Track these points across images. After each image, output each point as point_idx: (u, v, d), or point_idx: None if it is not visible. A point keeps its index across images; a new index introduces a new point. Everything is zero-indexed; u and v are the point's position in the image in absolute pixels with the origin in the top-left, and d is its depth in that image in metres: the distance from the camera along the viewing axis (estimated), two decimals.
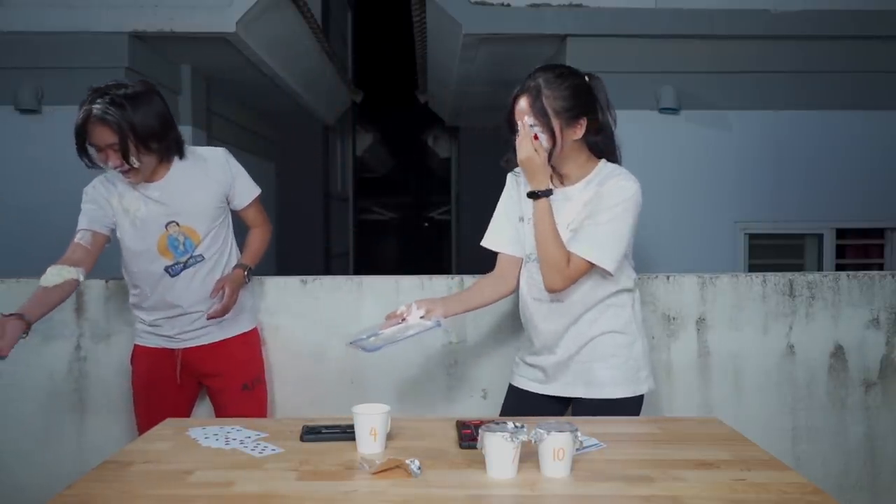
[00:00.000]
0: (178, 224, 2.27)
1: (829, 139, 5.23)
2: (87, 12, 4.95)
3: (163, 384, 2.37)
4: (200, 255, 2.31)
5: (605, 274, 1.98)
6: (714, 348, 2.77)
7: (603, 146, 2.07)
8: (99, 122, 2.11)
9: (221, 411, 2.40)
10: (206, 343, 2.36)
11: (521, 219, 2.11)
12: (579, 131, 1.98)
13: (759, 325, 2.78)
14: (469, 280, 2.72)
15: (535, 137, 1.93)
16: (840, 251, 5.39)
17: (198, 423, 1.87)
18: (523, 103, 1.97)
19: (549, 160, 1.97)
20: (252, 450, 1.64)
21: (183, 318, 2.33)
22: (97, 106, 2.11)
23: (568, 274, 1.94)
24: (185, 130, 6.07)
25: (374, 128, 14.87)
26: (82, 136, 2.15)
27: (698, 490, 1.41)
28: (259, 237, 2.49)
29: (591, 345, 2.03)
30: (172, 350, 2.36)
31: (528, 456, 1.50)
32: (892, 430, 2.80)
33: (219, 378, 2.39)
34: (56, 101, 5.00)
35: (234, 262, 2.40)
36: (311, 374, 2.67)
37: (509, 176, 2.19)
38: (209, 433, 1.75)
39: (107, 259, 4.86)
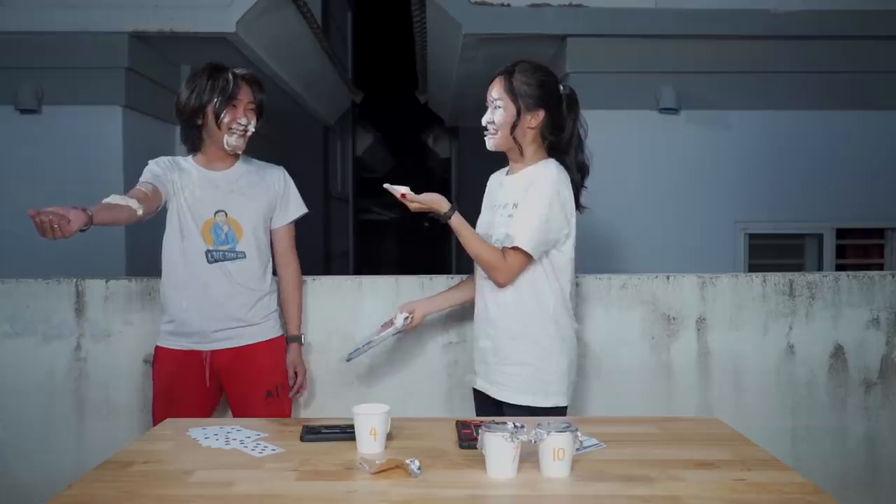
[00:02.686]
0: (225, 214, 2.34)
1: (829, 139, 5.22)
2: (87, 12, 4.94)
3: (187, 388, 2.34)
4: (242, 252, 2.34)
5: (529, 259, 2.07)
6: (714, 348, 2.77)
7: (565, 157, 2.17)
8: (252, 80, 2.37)
9: (245, 413, 2.36)
10: (234, 346, 2.35)
11: (485, 206, 2.31)
12: (535, 121, 2.12)
13: (759, 325, 2.78)
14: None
15: (403, 196, 2.07)
16: (840, 251, 5.38)
17: (198, 423, 1.87)
18: (497, 80, 2.15)
19: (512, 132, 2.12)
20: (252, 450, 1.64)
21: (212, 308, 2.32)
22: (239, 70, 2.37)
23: (507, 268, 2.06)
24: None
25: (374, 128, 14.86)
26: (229, 96, 2.30)
27: (698, 490, 1.41)
28: (295, 298, 2.52)
29: (510, 345, 2.12)
30: (200, 352, 2.34)
31: (528, 456, 1.50)
32: (892, 430, 2.80)
33: (243, 383, 2.37)
34: (56, 101, 4.99)
35: (270, 278, 2.44)
36: (312, 374, 2.67)
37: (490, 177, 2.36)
38: (209, 433, 1.76)
39: (107, 259, 4.85)
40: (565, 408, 2.12)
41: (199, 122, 2.32)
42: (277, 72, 6.32)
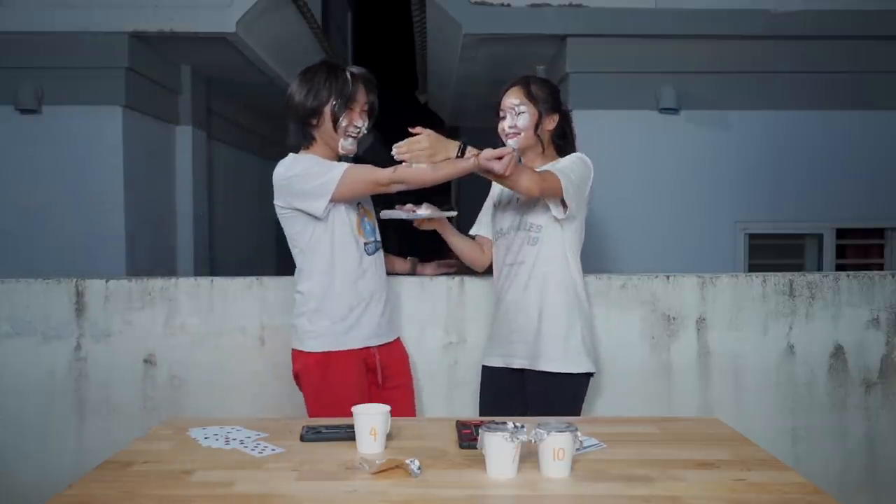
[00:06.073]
0: (363, 206, 2.35)
1: (829, 139, 5.22)
2: (86, 12, 4.94)
3: (361, 388, 2.23)
4: (380, 242, 2.37)
5: (556, 211, 2.23)
6: (714, 348, 2.77)
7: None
8: (369, 81, 2.32)
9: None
10: (391, 341, 2.36)
11: (497, 203, 2.47)
12: (552, 124, 2.34)
13: (759, 325, 2.78)
14: (469, 280, 2.74)
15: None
16: (840, 251, 5.38)
17: (198, 422, 1.88)
18: (514, 89, 2.34)
19: (535, 132, 2.31)
20: (252, 450, 1.64)
21: (378, 300, 2.30)
22: (355, 69, 2.31)
23: (539, 179, 2.13)
24: (186, 130, 6.06)
25: (374, 128, 14.81)
26: (347, 98, 2.25)
27: (698, 490, 1.41)
28: None
29: (541, 321, 2.28)
30: (370, 349, 2.28)
31: (528, 456, 1.50)
32: (892, 430, 2.80)
33: (398, 376, 2.36)
34: (56, 101, 5.00)
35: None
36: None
37: None
38: (209, 433, 1.76)
39: (107, 259, 4.85)
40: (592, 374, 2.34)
41: (315, 122, 2.26)
42: (277, 72, 6.32)
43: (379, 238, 2.37)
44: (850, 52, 5.12)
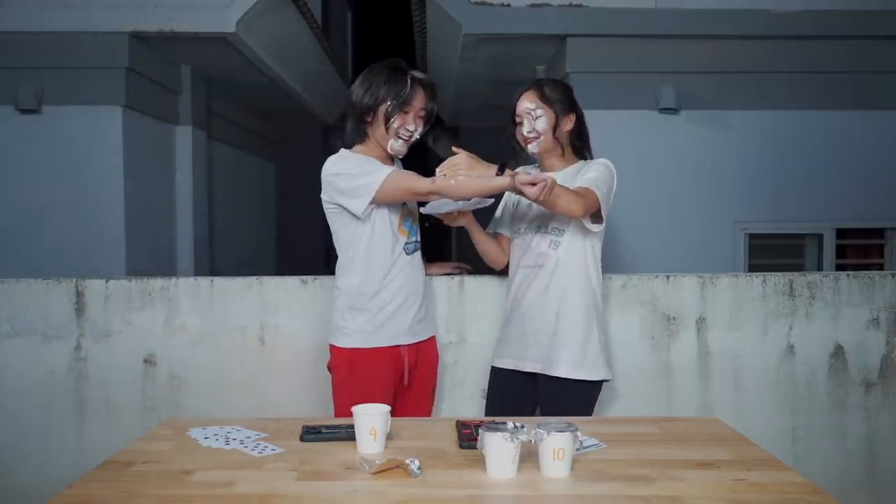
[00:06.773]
0: (406, 205, 2.33)
1: (829, 139, 5.22)
2: (86, 12, 4.95)
3: (386, 387, 2.24)
4: (420, 242, 2.37)
5: (591, 226, 2.23)
6: (714, 348, 2.77)
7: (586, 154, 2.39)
8: (429, 87, 2.30)
9: (404, 411, 2.29)
10: (423, 340, 2.35)
11: (516, 203, 2.43)
12: (569, 124, 2.30)
13: (759, 325, 2.78)
14: (469, 280, 2.74)
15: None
16: (840, 251, 5.38)
17: (198, 422, 1.88)
18: (528, 93, 2.30)
19: (554, 134, 2.28)
20: (252, 450, 1.64)
21: (414, 300, 2.30)
22: (418, 74, 2.29)
23: (581, 200, 2.11)
24: (185, 130, 6.07)
25: None
26: (403, 101, 2.23)
27: (698, 490, 1.41)
28: None
29: (558, 326, 2.25)
30: (399, 348, 2.27)
31: (528, 456, 1.50)
32: (892, 430, 2.80)
33: (421, 376, 2.35)
34: (56, 101, 5.00)
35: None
36: (311, 374, 2.67)
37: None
38: (209, 433, 1.76)
39: (107, 259, 4.85)
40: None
41: (369, 119, 2.27)
42: (277, 72, 6.33)
43: (419, 238, 2.36)
44: (850, 52, 5.13)
